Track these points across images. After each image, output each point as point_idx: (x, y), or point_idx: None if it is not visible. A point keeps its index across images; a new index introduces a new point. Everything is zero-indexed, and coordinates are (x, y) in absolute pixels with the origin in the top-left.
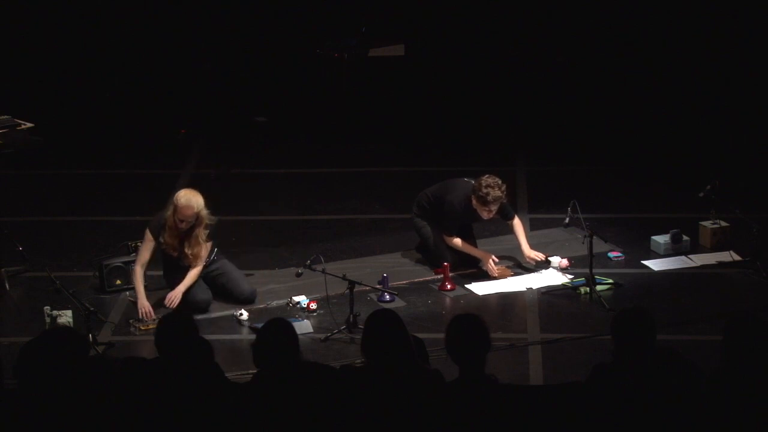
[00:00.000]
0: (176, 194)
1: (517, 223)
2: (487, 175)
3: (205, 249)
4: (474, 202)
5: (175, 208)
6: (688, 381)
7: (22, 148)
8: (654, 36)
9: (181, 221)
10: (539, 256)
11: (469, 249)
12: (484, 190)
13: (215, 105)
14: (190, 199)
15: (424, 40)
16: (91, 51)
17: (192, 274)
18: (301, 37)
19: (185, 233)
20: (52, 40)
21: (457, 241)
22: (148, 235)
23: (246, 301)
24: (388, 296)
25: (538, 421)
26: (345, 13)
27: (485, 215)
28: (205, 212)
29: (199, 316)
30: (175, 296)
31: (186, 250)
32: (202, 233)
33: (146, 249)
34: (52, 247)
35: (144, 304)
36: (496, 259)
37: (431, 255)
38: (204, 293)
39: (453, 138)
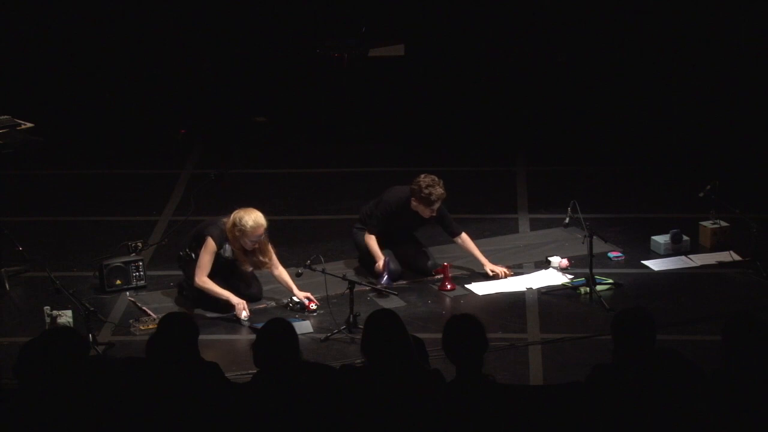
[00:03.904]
0: (238, 219)
1: (467, 239)
2: (423, 175)
3: (272, 254)
4: (415, 203)
5: (243, 232)
6: (688, 381)
7: (22, 148)
8: (654, 36)
9: (254, 242)
10: (501, 270)
11: (374, 249)
12: (426, 191)
13: (215, 105)
14: (257, 218)
15: (424, 40)
16: (91, 51)
17: (285, 276)
18: (301, 37)
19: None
20: (52, 40)
21: (371, 239)
22: (212, 246)
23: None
24: (386, 276)
25: (538, 421)
26: (345, 13)
27: (428, 214)
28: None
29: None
30: (308, 296)
31: (261, 258)
32: (266, 240)
33: (209, 260)
34: (52, 247)
35: (239, 300)
36: (383, 266)
37: (368, 263)
38: (255, 287)
39: (453, 138)
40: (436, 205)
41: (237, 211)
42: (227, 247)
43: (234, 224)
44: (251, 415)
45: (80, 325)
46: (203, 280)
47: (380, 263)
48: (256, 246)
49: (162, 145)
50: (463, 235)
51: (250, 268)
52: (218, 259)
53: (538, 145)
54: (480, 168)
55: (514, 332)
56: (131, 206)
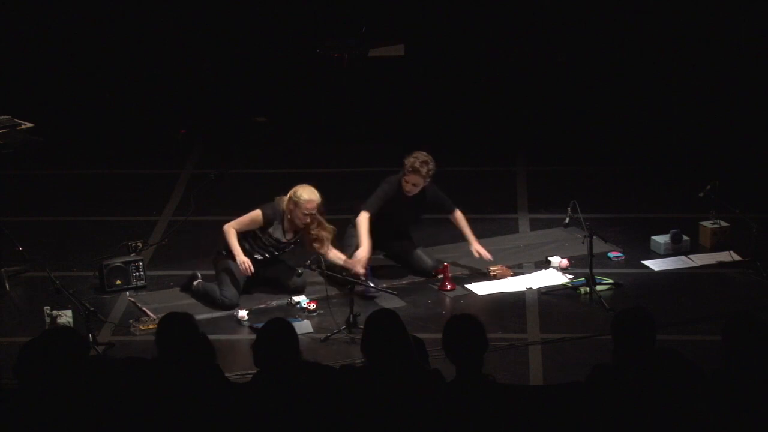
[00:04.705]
0: (294, 192)
1: (460, 217)
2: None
3: (332, 231)
4: (405, 180)
5: (297, 204)
6: (688, 381)
7: (22, 148)
8: (654, 36)
9: (306, 215)
10: (486, 254)
11: (362, 233)
12: (410, 160)
13: (215, 105)
14: (311, 194)
15: (424, 40)
16: (91, 51)
17: (338, 255)
18: (301, 37)
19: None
20: (52, 40)
21: (363, 219)
22: (259, 218)
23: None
24: (372, 286)
25: (538, 421)
26: (345, 13)
27: (408, 188)
28: (321, 200)
29: (200, 316)
30: (365, 255)
31: (313, 233)
32: (323, 217)
33: (248, 225)
34: (52, 247)
35: (244, 260)
36: (363, 260)
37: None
38: (234, 293)
39: (453, 138)
40: (421, 174)
41: (295, 186)
42: (277, 224)
43: (290, 197)
44: (251, 415)
45: (80, 325)
46: (229, 229)
47: (358, 267)
48: (309, 222)
49: (162, 145)
50: (457, 213)
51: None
52: (267, 239)
53: (538, 145)
54: (480, 168)
55: (514, 332)
56: (131, 206)
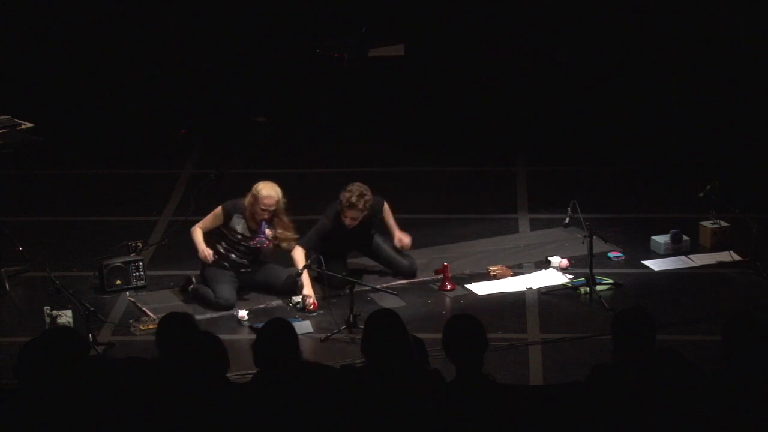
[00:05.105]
0: (255, 186)
1: (387, 210)
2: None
3: (293, 231)
4: (343, 214)
5: (256, 199)
6: (688, 381)
7: (22, 148)
8: (654, 36)
9: (263, 211)
10: (407, 243)
11: (303, 275)
12: (347, 194)
13: (215, 105)
14: (271, 190)
15: (424, 40)
16: (91, 51)
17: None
18: (301, 37)
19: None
20: (52, 40)
21: (299, 255)
22: (219, 212)
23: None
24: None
25: (538, 421)
26: (345, 13)
27: (348, 221)
28: (283, 201)
29: (200, 316)
30: (310, 297)
31: (278, 233)
32: (285, 218)
33: (211, 222)
34: (52, 247)
35: (205, 250)
36: (311, 298)
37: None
38: (231, 293)
39: (453, 138)
40: (358, 208)
41: (258, 182)
42: (238, 218)
43: (251, 191)
44: (251, 415)
45: (80, 325)
46: (194, 229)
47: (309, 301)
48: (268, 218)
49: (162, 145)
50: (385, 206)
51: (260, 243)
52: (233, 235)
53: (538, 145)
54: (480, 168)
55: (514, 332)
56: (131, 206)
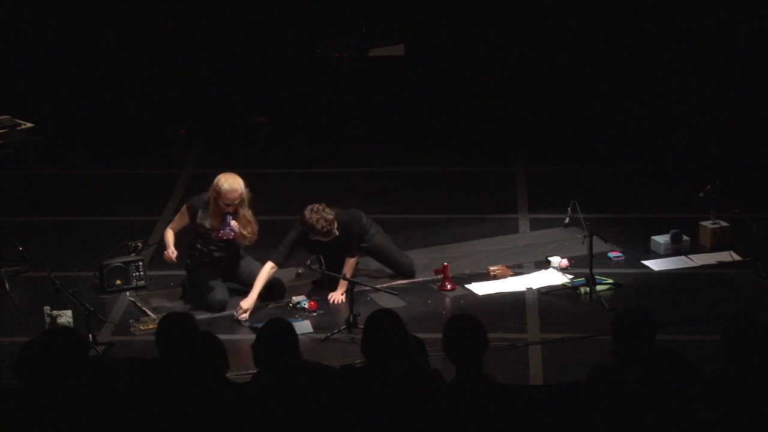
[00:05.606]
0: (217, 180)
1: (351, 263)
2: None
3: (255, 225)
4: (309, 235)
5: (219, 193)
6: (688, 381)
7: (22, 148)
8: (654, 36)
9: (227, 205)
10: (339, 301)
11: (257, 282)
12: (306, 218)
13: (215, 105)
14: (233, 183)
15: (424, 40)
16: (91, 51)
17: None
18: (301, 37)
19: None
20: (52, 40)
21: (266, 269)
22: (184, 210)
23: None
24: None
25: (538, 421)
26: (345, 13)
27: (316, 240)
28: (246, 193)
29: (200, 316)
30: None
31: (240, 230)
32: (248, 212)
33: (179, 221)
34: (52, 247)
35: (168, 251)
36: (246, 309)
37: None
38: (222, 293)
39: (453, 138)
40: (319, 232)
41: (220, 175)
42: (203, 213)
43: (213, 185)
44: (251, 415)
45: (80, 325)
46: (166, 231)
47: (240, 312)
48: (231, 213)
49: (162, 145)
50: (351, 261)
51: (225, 235)
52: (199, 230)
53: (538, 145)
54: (480, 168)
55: (514, 332)
56: (131, 206)
